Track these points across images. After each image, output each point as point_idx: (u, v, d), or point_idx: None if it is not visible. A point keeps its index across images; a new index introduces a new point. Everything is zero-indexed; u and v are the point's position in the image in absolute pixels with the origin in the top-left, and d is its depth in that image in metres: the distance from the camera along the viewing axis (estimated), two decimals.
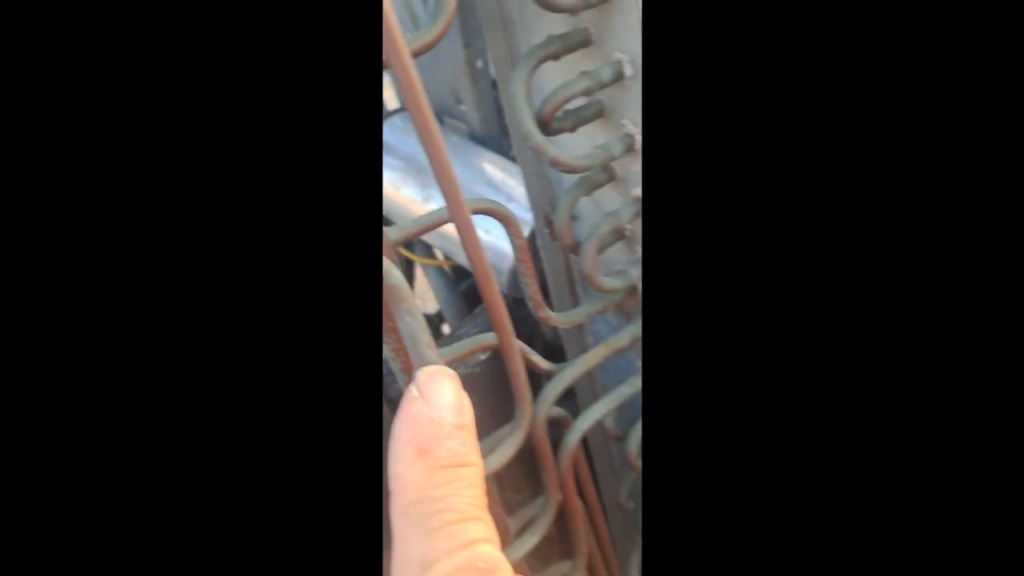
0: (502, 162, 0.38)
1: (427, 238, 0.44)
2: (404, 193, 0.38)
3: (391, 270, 0.19)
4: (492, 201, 0.23)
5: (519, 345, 0.25)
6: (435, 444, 0.17)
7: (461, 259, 0.45)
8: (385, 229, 0.21)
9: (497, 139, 0.39)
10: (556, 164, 0.23)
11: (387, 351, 0.23)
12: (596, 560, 0.34)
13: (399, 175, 0.37)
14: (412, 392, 0.18)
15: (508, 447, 0.26)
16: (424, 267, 0.51)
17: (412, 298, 0.20)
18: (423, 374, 0.19)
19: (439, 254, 0.51)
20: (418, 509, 0.17)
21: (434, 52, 0.38)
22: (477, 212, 0.23)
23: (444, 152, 0.20)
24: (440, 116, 0.41)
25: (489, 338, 0.25)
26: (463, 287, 0.52)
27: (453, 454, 0.17)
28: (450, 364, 0.23)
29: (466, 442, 0.18)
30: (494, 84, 0.37)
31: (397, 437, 0.18)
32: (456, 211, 0.21)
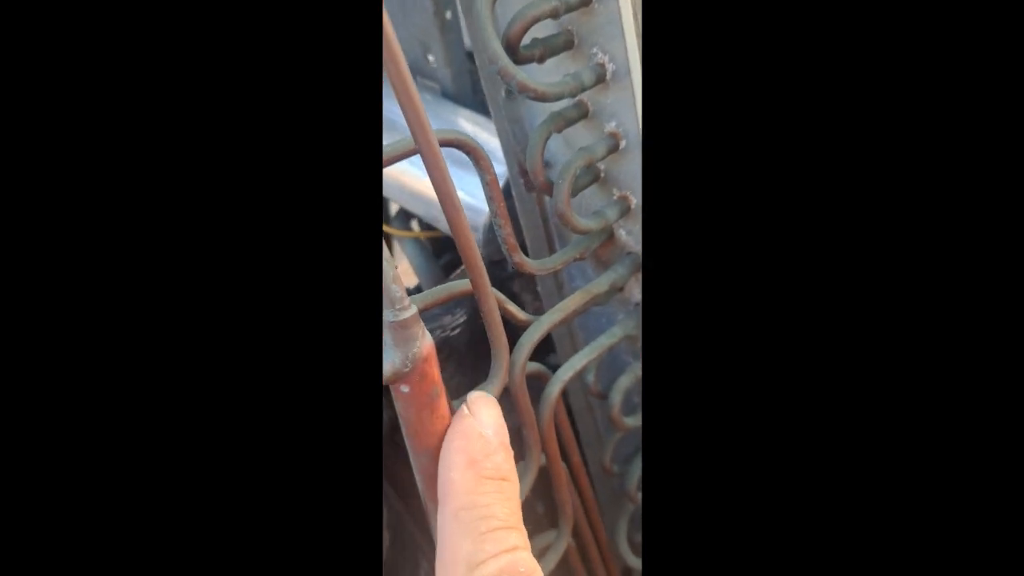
0: (476, 117, 0.36)
1: (405, 202, 0.43)
2: None
3: None
4: (459, 132, 0.22)
5: (495, 293, 0.24)
6: (483, 457, 0.20)
7: (442, 227, 0.43)
8: None
9: (470, 97, 0.38)
10: (524, 89, 0.22)
11: None
12: (583, 526, 0.33)
13: None
14: (464, 410, 0.21)
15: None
16: (401, 240, 0.50)
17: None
18: (473, 396, 0.22)
19: (415, 226, 0.50)
20: (467, 514, 0.19)
21: (401, 3, 0.37)
22: (444, 144, 0.22)
23: (409, 80, 0.19)
24: (411, 75, 0.39)
25: (463, 283, 0.24)
26: (442, 261, 0.50)
27: (498, 467, 0.20)
28: (424, 316, 0.22)
29: (508, 459, 0.21)
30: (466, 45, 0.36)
31: (449, 448, 0.20)
32: (422, 140, 0.20)
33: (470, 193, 0.34)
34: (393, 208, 0.53)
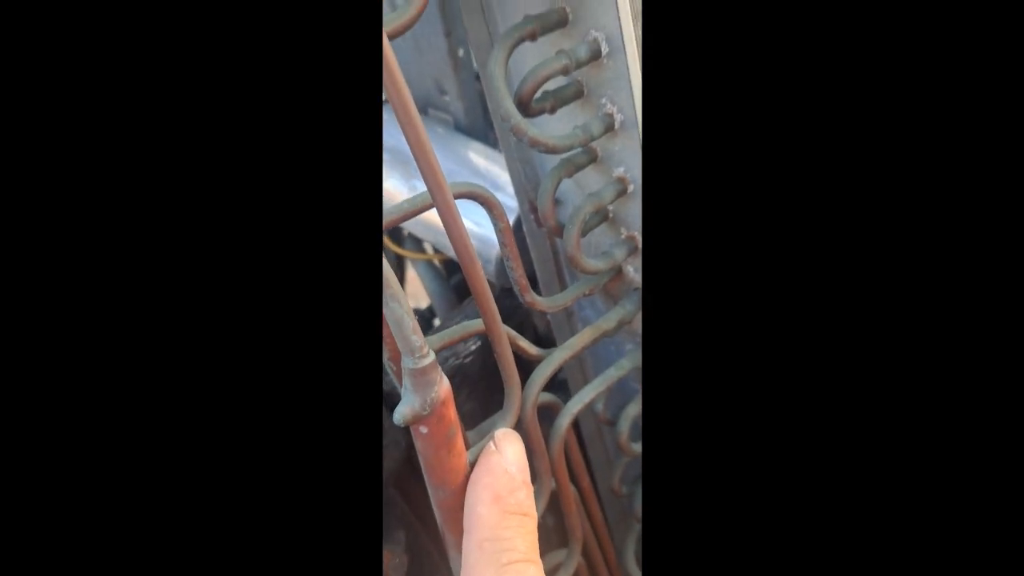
0: (487, 151, 0.38)
1: (417, 231, 0.44)
2: (389, 184, 0.38)
3: None
4: (474, 184, 0.23)
5: (507, 330, 0.25)
6: (508, 493, 0.21)
7: (452, 253, 0.44)
8: None
9: (482, 129, 0.39)
10: (536, 144, 0.23)
11: None
12: (592, 546, 0.34)
13: (384, 166, 0.37)
14: (491, 447, 0.22)
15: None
16: (414, 262, 0.51)
17: (397, 284, 0.20)
18: (500, 434, 0.23)
19: (429, 248, 0.51)
20: (491, 545, 0.21)
21: (416, 43, 0.38)
22: (459, 196, 0.23)
23: (423, 134, 0.20)
24: (424, 108, 0.41)
25: (476, 324, 0.25)
26: (453, 281, 0.52)
27: (520, 504, 0.21)
28: (439, 352, 0.23)
29: (529, 496, 0.22)
30: (477, 76, 0.37)
31: (477, 482, 0.22)
32: (438, 195, 0.21)
33: (484, 225, 0.35)
34: (406, 231, 0.54)
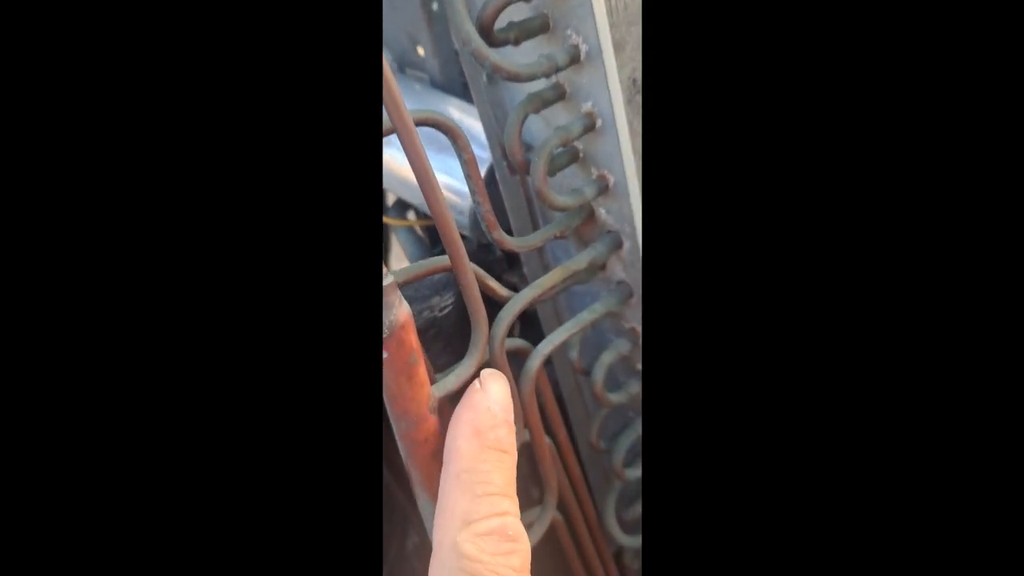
0: (465, 106, 0.37)
1: (402, 192, 0.44)
2: None
3: None
4: (435, 112, 0.23)
5: (473, 267, 0.25)
6: (488, 429, 0.22)
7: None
8: None
9: (459, 86, 0.39)
10: (498, 70, 0.23)
11: None
12: (570, 501, 0.34)
13: None
14: (476, 384, 0.23)
15: (465, 369, 0.25)
16: (396, 230, 0.51)
17: None
18: (486, 373, 0.23)
19: (412, 216, 0.51)
20: (468, 476, 0.21)
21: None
22: (420, 123, 0.23)
23: (380, 58, 0.20)
24: (401, 67, 0.40)
25: (443, 259, 0.25)
26: (437, 250, 0.51)
27: (499, 440, 0.22)
28: (414, 297, 0.23)
29: (510, 435, 0.22)
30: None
31: (459, 417, 0.22)
32: (397, 120, 0.21)
33: (457, 178, 0.35)
34: (390, 199, 0.54)
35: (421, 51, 0.38)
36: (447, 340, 0.35)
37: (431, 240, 0.53)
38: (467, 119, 0.37)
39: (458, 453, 0.21)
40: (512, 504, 0.21)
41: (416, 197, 0.43)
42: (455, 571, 0.20)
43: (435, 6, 0.36)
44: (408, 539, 0.36)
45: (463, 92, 0.39)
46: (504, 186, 0.32)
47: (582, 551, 0.36)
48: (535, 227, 0.33)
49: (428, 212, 0.46)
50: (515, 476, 0.22)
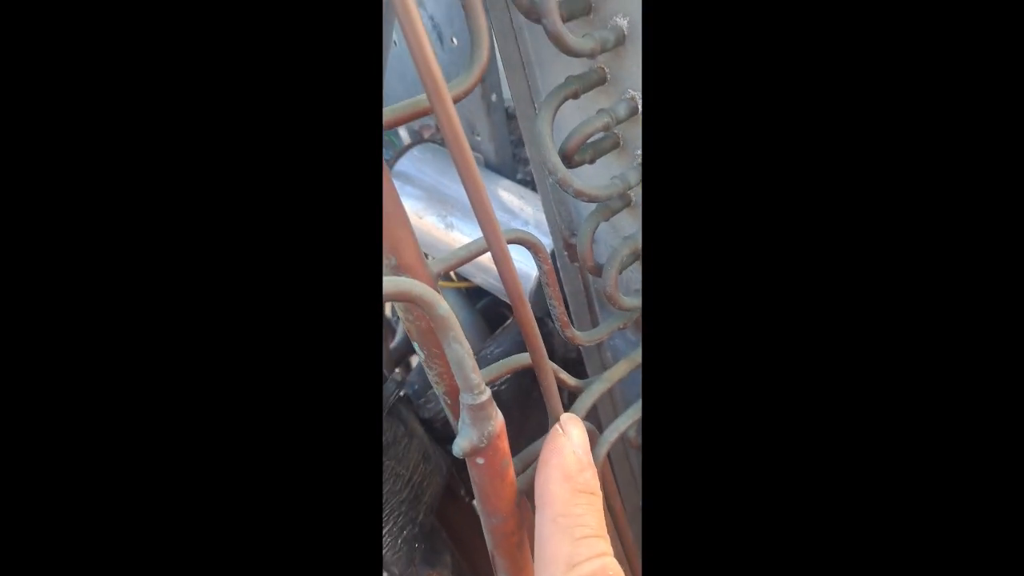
0: (515, 188, 0.40)
1: (435, 253, 0.46)
2: (427, 221, 0.40)
3: (439, 301, 0.21)
4: (524, 232, 0.25)
5: (552, 365, 0.27)
6: (576, 472, 0.22)
7: (476, 280, 0.46)
8: (428, 262, 0.23)
9: (510, 167, 0.41)
10: (580, 195, 0.25)
11: (431, 375, 0.25)
12: (624, 566, 0.36)
13: (421, 204, 0.39)
14: (558, 430, 0.24)
15: None
16: (442, 290, 0.53)
17: (458, 327, 0.21)
18: (564, 418, 0.24)
19: (454, 276, 0.53)
20: (564, 520, 0.22)
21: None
22: (511, 242, 0.25)
23: (483, 190, 0.22)
24: None
25: (523, 358, 0.27)
26: (479, 306, 0.54)
27: (587, 483, 0.22)
28: (487, 383, 0.25)
29: (594, 476, 0.23)
30: (507, 115, 0.39)
31: (547, 463, 0.23)
32: (494, 242, 0.23)
33: (518, 259, 0.37)
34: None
35: (478, 136, 0.40)
36: (506, 412, 0.37)
37: (471, 297, 0.55)
38: (519, 202, 0.39)
39: (552, 498, 0.22)
40: (607, 545, 0.22)
41: (464, 268, 0.45)
42: None
43: (494, 97, 0.38)
44: None
45: (513, 173, 0.41)
46: (564, 272, 0.34)
47: None
48: (591, 309, 0.35)
49: (467, 277, 0.48)
50: (603, 516, 0.23)
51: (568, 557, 0.21)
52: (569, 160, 0.25)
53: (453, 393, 0.25)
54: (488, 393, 0.23)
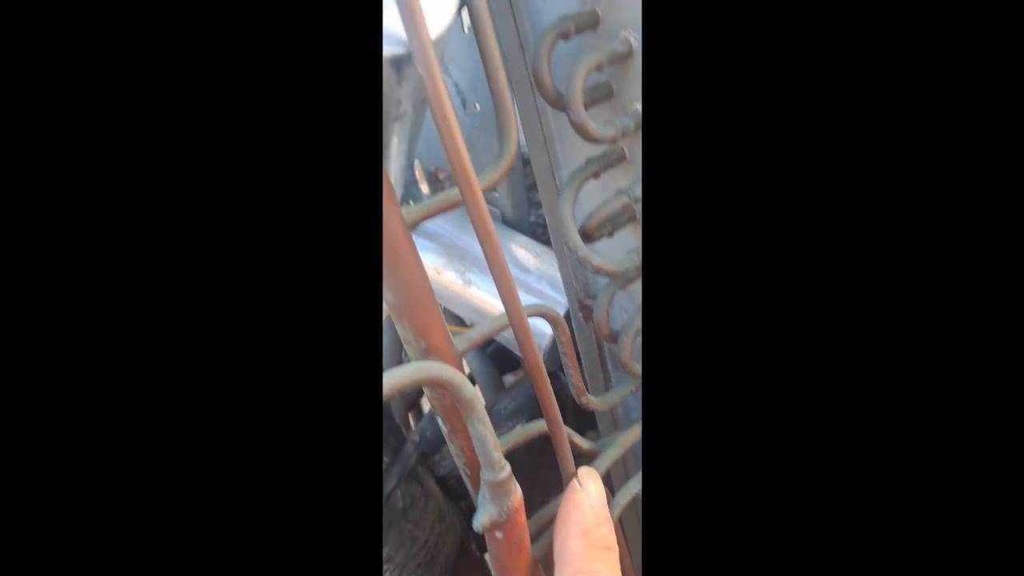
0: (530, 244, 0.41)
1: (455, 308, 0.47)
2: (446, 277, 0.41)
3: (464, 384, 0.22)
4: (546, 306, 0.26)
5: (566, 430, 0.28)
6: (594, 528, 0.23)
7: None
8: (453, 338, 0.24)
9: (526, 223, 0.42)
10: (599, 271, 0.26)
11: (453, 448, 0.26)
12: None
13: (441, 260, 0.40)
14: (576, 485, 0.24)
15: None
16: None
17: (482, 407, 0.22)
18: (582, 472, 0.24)
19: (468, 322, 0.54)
20: None
21: (472, 146, 0.41)
22: (532, 315, 0.26)
23: (507, 269, 0.22)
24: None
25: (540, 426, 0.28)
26: (488, 351, 0.54)
27: (604, 538, 0.23)
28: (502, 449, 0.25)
29: (611, 531, 0.23)
30: (522, 160, 0.40)
31: (567, 518, 0.23)
32: (515, 317, 0.24)
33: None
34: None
35: (496, 193, 0.41)
36: (517, 469, 0.37)
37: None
38: (534, 259, 0.40)
39: (571, 555, 0.22)
40: None
41: (464, 312, 0.46)
42: None
43: None
44: None
45: (531, 229, 0.42)
46: (579, 333, 0.35)
47: None
48: (603, 368, 0.36)
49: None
50: (620, 571, 0.23)
51: None
52: (588, 237, 0.26)
53: (474, 466, 0.26)
54: (508, 469, 0.23)
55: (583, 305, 0.34)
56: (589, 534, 0.23)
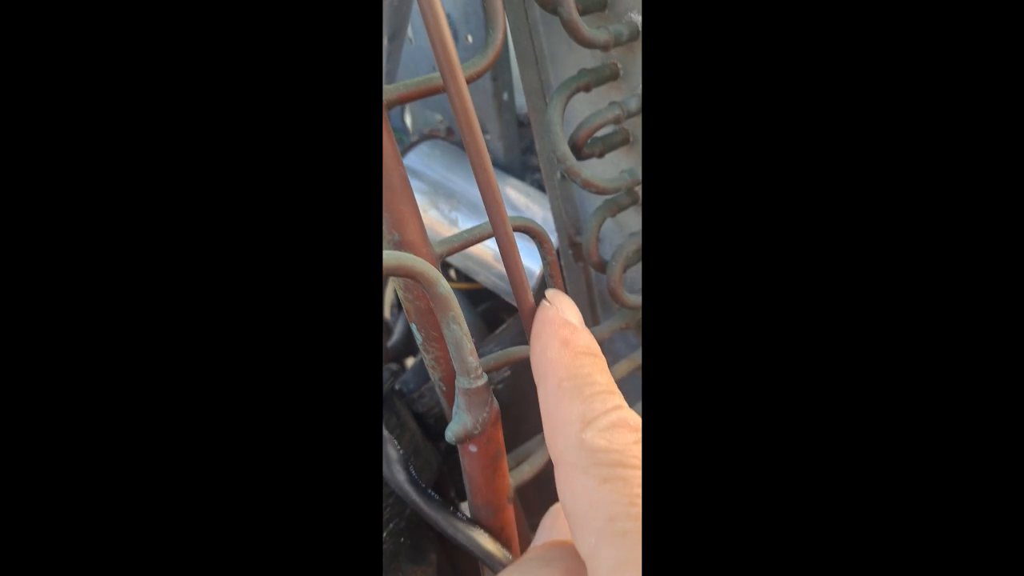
0: (523, 187, 0.40)
1: (481, 275, 0.46)
2: (431, 215, 0.40)
3: (439, 279, 0.21)
4: (529, 219, 0.25)
5: None
6: (574, 337, 0.20)
7: (479, 278, 0.46)
8: (432, 242, 0.23)
9: (519, 167, 0.41)
10: (587, 186, 0.25)
11: (428, 360, 0.24)
12: None
13: (427, 199, 0.39)
14: (546, 303, 0.22)
15: (539, 458, 0.27)
16: None
17: (458, 307, 0.21)
18: (551, 292, 0.22)
19: (453, 275, 0.53)
20: (571, 383, 0.20)
21: None
22: (516, 229, 0.25)
23: (491, 171, 0.21)
24: None
25: (525, 350, 0.27)
26: (480, 309, 0.53)
27: (588, 345, 0.20)
28: (486, 373, 0.24)
29: (594, 341, 0.21)
30: (520, 123, 0.40)
31: (541, 333, 0.21)
32: (500, 227, 0.23)
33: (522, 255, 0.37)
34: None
35: (488, 136, 0.40)
36: (503, 411, 0.36)
37: (472, 299, 0.55)
38: (527, 201, 0.39)
39: (553, 365, 0.20)
40: (621, 399, 0.20)
41: (460, 262, 0.45)
42: (592, 467, 0.18)
43: (505, 96, 0.38)
44: None
45: (522, 173, 0.41)
46: (568, 271, 0.34)
47: None
48: (592, 307, 0.35)
49: (469, 275, 0.48)
50: (612, 378, 0.20)
51: (581, 415, 0.19)
52: (578, 151, 0.25)
53: (449, 379, 0.25)
54: (485, 378, 0.22)
55: (573, 242, 0.33)
56: (569, 342, 0.20)
